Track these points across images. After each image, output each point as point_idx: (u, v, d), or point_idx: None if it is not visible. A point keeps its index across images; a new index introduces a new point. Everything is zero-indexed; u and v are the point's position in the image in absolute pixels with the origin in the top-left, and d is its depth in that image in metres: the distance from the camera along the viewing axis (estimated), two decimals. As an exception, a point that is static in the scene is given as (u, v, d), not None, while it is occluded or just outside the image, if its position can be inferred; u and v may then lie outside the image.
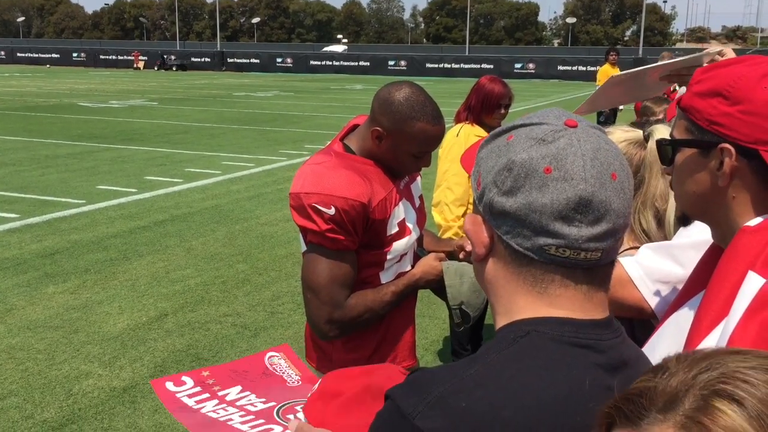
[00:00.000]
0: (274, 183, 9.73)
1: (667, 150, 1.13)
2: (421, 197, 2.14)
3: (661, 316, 1.35)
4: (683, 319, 1.11)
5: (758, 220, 1.05)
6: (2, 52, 59.60)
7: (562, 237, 0.79)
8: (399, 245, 1.95)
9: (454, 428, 0.73)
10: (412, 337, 2.14)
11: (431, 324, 4.79)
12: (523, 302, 0.84)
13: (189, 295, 5.33)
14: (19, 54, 59.02)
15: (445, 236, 3.81)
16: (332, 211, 1.77)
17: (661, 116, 4.22)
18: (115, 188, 9.05)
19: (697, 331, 1.05)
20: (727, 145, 1.02)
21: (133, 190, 8.99)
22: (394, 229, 1.93)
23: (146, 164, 10.94)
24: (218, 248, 6.56)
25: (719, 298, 1.03)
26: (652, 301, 1.40)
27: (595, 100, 2.07)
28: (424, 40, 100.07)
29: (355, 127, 2.01)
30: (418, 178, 2.17)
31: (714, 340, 1.01)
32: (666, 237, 1.68)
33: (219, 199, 8.65)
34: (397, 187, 1.97)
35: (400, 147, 1.86)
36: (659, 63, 1.87)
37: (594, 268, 0.83)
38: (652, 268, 1.42)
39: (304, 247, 1.94)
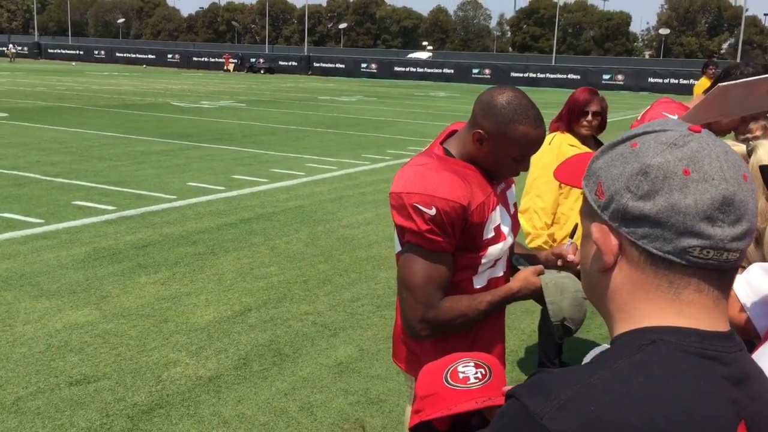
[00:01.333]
0: (356, 186, 9.86)
1: None
2: (515, 204, 2.15)
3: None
4: None
5: None
6: (102, 52, 62.67)
7: (708, 237, 0.79)
8: (494, 250, 1.97)
9: (582, 431, 0.74)
10: (503, 344, 2.15)
11: (510, 334, 4.76)
12: (649, 309, 0.83)
13: (272, 291, 5.48)
14: (117, 54, 61.93)
15: (533, 244, 3.79)
16: (433, 211, 1.80)
17: (758, 133, 4.08)
18: (204, 185, 9.37)
19: None
20: None
21: (221, 187, 9.29)
22: (490, 234, 1.95)
23: (234, 163, 11.28)
24: (301, 248, 6.71)
25: None
26: (759, 323, 1.36)
27: (698, 112, 2.02)
28: (510, 48, 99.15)
29: (453, 132, 2.05)
30: (513, 186, 2.17)
31: None
32: (764, 256, 1.63)
33: (302, 200, 8.84)
34: (495, 192, 1.98)
35: (501, 150, 1.88)
36: None
37: (727, 272, 0.83)
38: (762, 288, 1.39)
39: (398, 248, 1.98)
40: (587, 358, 1.67)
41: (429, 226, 1.82)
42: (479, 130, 1.88)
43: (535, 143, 1.88)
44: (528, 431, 0.76)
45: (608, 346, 0.87)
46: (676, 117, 2.71)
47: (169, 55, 59.79)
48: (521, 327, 4.90)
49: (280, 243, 6.84)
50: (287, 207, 8.38)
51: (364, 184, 10.05)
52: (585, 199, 0.90)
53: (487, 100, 1.89)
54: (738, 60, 44.51)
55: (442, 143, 2.02)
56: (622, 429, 0.74)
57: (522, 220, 3.83)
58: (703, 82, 11.42)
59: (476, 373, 1.29)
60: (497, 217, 1.97)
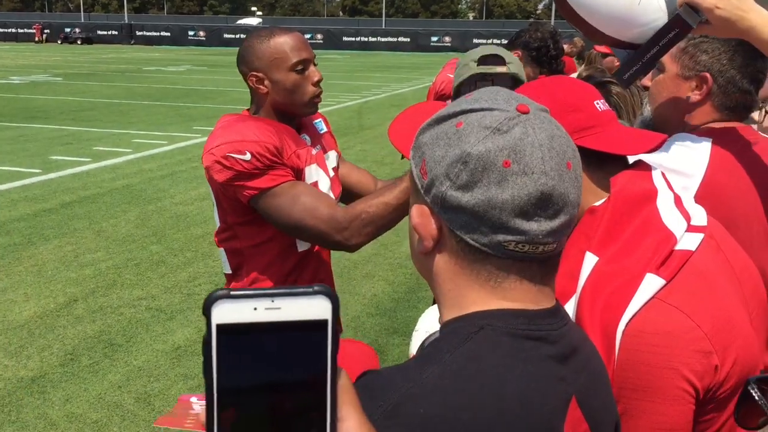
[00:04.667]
0: (188, 161, 9.47)
1: None
2: (335, 169, 2.12)
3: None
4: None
5: (602, 200, 1.11)
6: None
7: (523, 233, 0.76)
8: None
9: None
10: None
11: (352, 300, 4.80)
12: (474, 297, 0.81)
13: (100, 279, 5.14)
14: None
15: None
16: (247, 156, 1.76)
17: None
18: (17, 169, 8.60)
19: None
20: None
21: (37, 170, 8.57)
22: None
23: (51, 143, 10.44)
24: (130, 229, 6.35)
25: (563, 273, 1.09)
26: None
27: None
28: (341, 13, 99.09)
29: None
30: (332, 153, 2.15)
31: (569, 312, 1.06)
32: None
33: (130, 178, 8.36)
34: (309, 150, 1.98)
35: (280, 72, 1.88)
36: None
37: (547, 261, 0.81)
38: None
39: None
40: (415, 338, 1.64)
41: (250, 168, 1.77)
42: (252, 74, 1.90)
43: (297, 44, 1.89)
44: None
45: (437, 335, 0.84)
46: None
47: (-30, 27, 54.08)
48: (362, 292, 4.95)
49: (107, 226, 6.43)
50: (113, 187, 7.89)
51: (196, 157, 9.66)
52: (411, 174, 0.85)
53: (239, 53, 1.96)
54: (552, 18, 47.37)
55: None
56: (453, 427, 0.71)
57: None
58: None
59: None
60: (314, 174, 1.96)
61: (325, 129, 2.16)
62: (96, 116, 13.47)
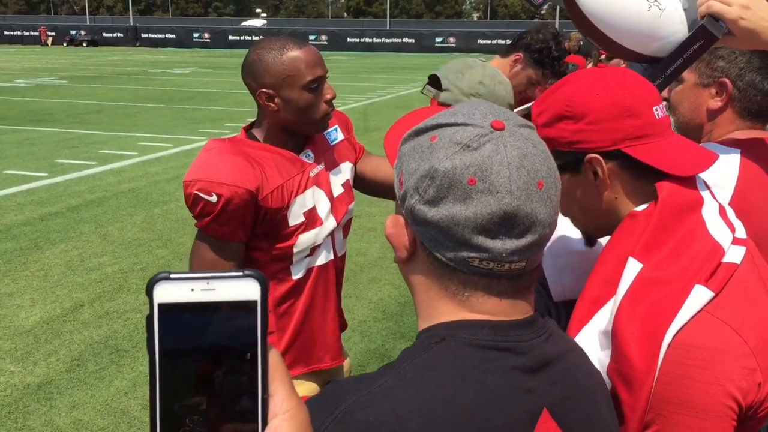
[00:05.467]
0: (193, 163, 9.46)
1: None
2: (345, 184, 2.02)
3: (554, 292, 1.34)
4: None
5: (645, 205, 1.10)
6: None
7: (486, 251, 0.77)
8: (306, 237, 1.86)
9: None
10: (335, 333, 2.04)
11: (358, 304, 4.78)
12: (444, 308, 0.82)
13: (106, 283, 5.14)
14: None
15: None
16: (214, 198, 1.70)
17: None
18: (23, 173, 8.61)
19: (580, 310, 1.08)
20: (594, 155, 1.09)
21: (44, 174, 8.58)
22: (298, 219, 1.84)
23: (57, 147, 10.46)
24: (136, 233, 6.34)
25: (600, 278, 1.08)
26: (554, 288, 1.38)
27: None
28: (345, 14, 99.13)
29: None
30: (345, 165, 2.04)
31: (604, 318, 1.04)
32: None
33: (136, 181, 8.36)
34: (306, 173, 1.88)
35: (293, 90, 1.78)
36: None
37: (516, 277, 0.80)
38: (557, 252, 1.40)
39: None
40: None
41: (211, 214, 1.72)
42: (262, 91, 1.80)
43: (312, 60, 1.79)
44: None
45: None
46: None
47: (-24, 30, 54.25)
48: (368, 296, 4.93)
49: (113, 230, 6.43)
50: (119, 190, 7.89)
51: (202, 160, 9.67)
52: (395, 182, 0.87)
53: (246, 65, 1.83)
54: (557, 19, 47.27)
55: (249, 128, 1.93)
56: None
57: None
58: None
59: None
60: (308, 201, 1.86)
61: (339, 138, 2.04)
62: (102, 119, 13.49)
